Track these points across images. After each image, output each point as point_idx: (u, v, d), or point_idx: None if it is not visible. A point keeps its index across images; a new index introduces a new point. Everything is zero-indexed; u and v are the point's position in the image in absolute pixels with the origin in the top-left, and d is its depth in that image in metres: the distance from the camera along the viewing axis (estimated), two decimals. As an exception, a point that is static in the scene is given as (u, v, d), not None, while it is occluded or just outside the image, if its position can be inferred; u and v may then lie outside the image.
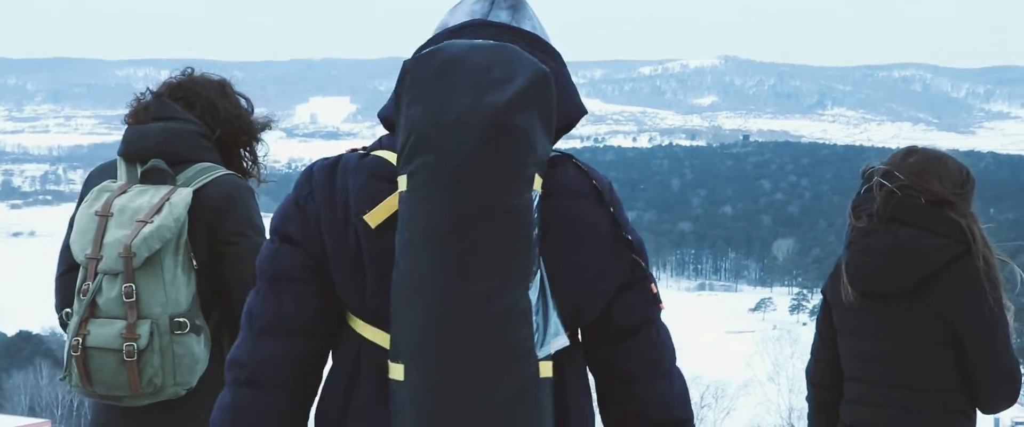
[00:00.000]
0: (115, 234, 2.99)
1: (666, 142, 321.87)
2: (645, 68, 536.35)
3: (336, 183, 1.95)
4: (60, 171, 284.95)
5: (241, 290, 3.05)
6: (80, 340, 2.97)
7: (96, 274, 2.98)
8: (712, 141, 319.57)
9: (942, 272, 3.07)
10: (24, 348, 59.39)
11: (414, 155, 1.82)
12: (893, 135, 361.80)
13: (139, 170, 3.13)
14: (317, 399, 2.04)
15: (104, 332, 2.96)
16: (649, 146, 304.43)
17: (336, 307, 1.98)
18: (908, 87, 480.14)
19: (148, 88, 3.32)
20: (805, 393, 3.52)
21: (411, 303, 1.82)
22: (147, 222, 2.98)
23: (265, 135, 3.39)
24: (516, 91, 1.82)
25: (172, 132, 3.15)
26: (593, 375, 2.09)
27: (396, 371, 1.84)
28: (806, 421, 3.55)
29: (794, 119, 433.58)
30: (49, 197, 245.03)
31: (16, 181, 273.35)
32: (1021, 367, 3.18)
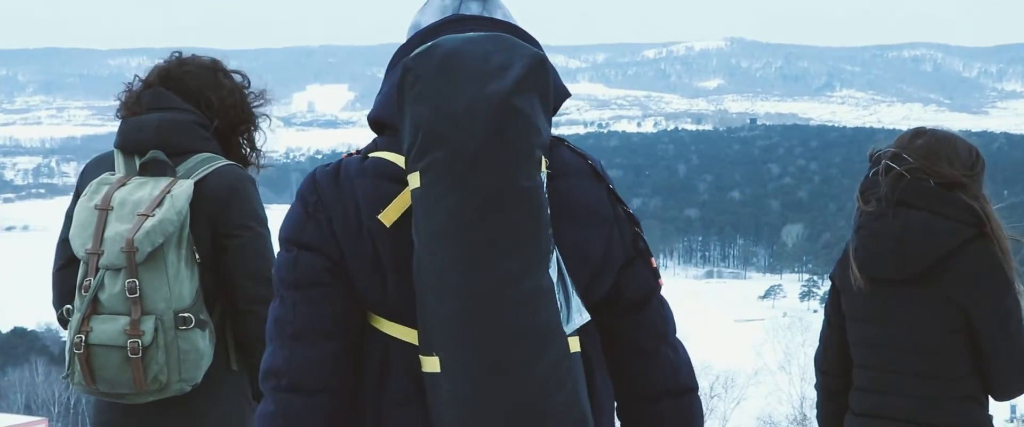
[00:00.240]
0: (116, 228, 2.97)
1: (671, 127, 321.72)
2: (649, 51, 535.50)
3: (343, 188, 2.01)
4: (53, 164, 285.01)
5: (244, 283, 3.10)
6: (83, 337, 2.95)
7: (98, 269, 2.97)
8: (718, 125, 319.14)
9: (954, 256, 3.06)
10: (19, 345, 59.47)
11: (425, 151, 1.88)
12: (904, 117, 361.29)
13: (138, 162, 3.12)
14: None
15: (107, 329, 2.95)
16: (654, 131, 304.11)
17: (360, 306, 2.05)
18: (918, 67, 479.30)
19: (137, 76, 3.29)
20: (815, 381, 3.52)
21: (439, 295, 1.88)
22: (149, 216, 2.96)
23: (264, 123, 3.37)
24: (516, 77, 1.89)
25: (170, 123, 3.13)
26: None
27: (430, 364, 1.91)
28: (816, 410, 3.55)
29: (802, 101, 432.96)
30: (42, 190, 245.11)
31: (8, 174, 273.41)
32: None
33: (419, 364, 1.96)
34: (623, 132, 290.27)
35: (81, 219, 3.05)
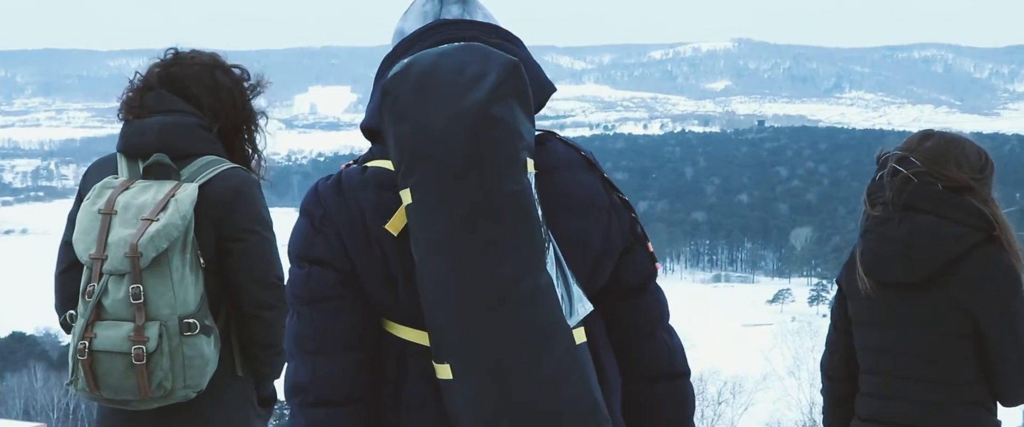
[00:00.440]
0: (120, 233, 2.97)
1: (678, 129, 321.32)
2: (656, 52, 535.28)
3: (347, 200, 2.07)
4: (52, 166, 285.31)
5: (250, 287, 3.10)
6: (87, 343, 2.96)
7: (101, 275, 2.97)
8: (726, 127, 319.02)
9: (962, 260, 3.05)
10: (18, 350, 59.48)
11: (412, 170, 1.95)
12: (914, 118, 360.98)
13: (141, 165, 3.11)
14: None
15: (112, 335, 2.95)
16: (661, 133, 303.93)
17: (375, 315, 2.11)
18: (929, 68, 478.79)
19: (138, 72, 3.28)
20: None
21: (442, 305, 1.96)
22: (153, 220, 2.95)
23: (264, 122, 3.36)
24: (492, 86, 1.95)
25: (172, 126, 3.12)
26: None
27: (444, 371, 1.99)
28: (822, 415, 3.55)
29: (811, 103, 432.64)
30: (41, 193, 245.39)
31: (7, 177, 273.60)
32: None
33: (433, 368, 2.03)
34: (629, 134, 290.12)
35: (84, 223, 3.04)
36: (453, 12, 2.20)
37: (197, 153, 3.13)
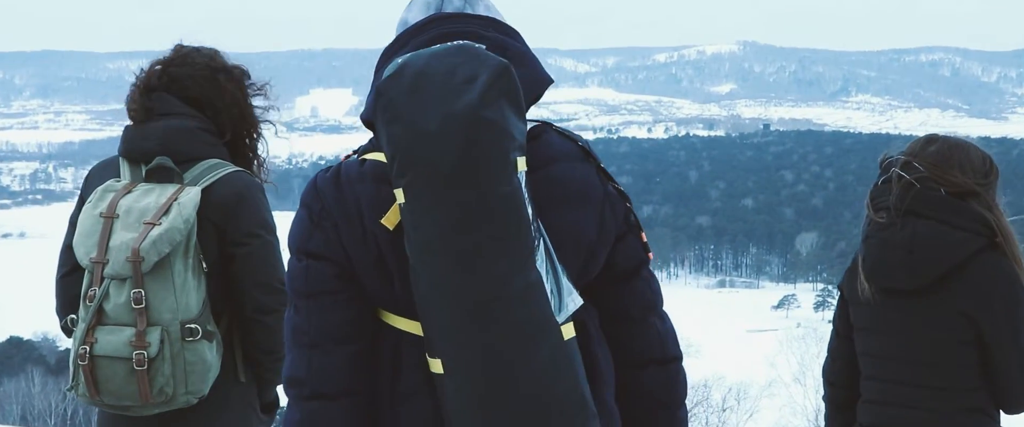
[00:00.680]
0: (122, 237, 2.96)
1: (683, 132, 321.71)
2: (660, 55, 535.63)
3: (345, 194, 2.12)
4: (50, 169, 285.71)
5: (253, 292, 3.09)
6: (87, 348, 2.95)
7: (102, 279, 2.96)
8: (731, 131, 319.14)
9: (964, 267, 3.05)
10: (15, 355, 59.49)
11: (405, 170, 2.00)
12: (921, 122, 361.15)
13: (143, 169, 3.11)
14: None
15: (113, 340, 2.94)
16: (665, 137, 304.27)
17: (372, 308, 2.18)
18: (936, 72, 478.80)
19: (142, 68, 3.27)
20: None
21: (434, 303, 2.01)
22: (155, 224, 2.94)
23: (268, 130, 3.36)
24: (482, 88, 1.99)
25: (175, 131, 3.11)
26: None
27: (436, 365, 2.04)
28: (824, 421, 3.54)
29: (817, 107, 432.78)
30: (39, 196, 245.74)
31: (4, 180, 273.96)
32: None
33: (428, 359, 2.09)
34: (633, 138, 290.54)
35: (85, 227, 3.03)
36: (455, 4, 2.26)
37: (200, 157, 3.13)
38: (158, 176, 3.08)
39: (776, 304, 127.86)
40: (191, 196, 3.00)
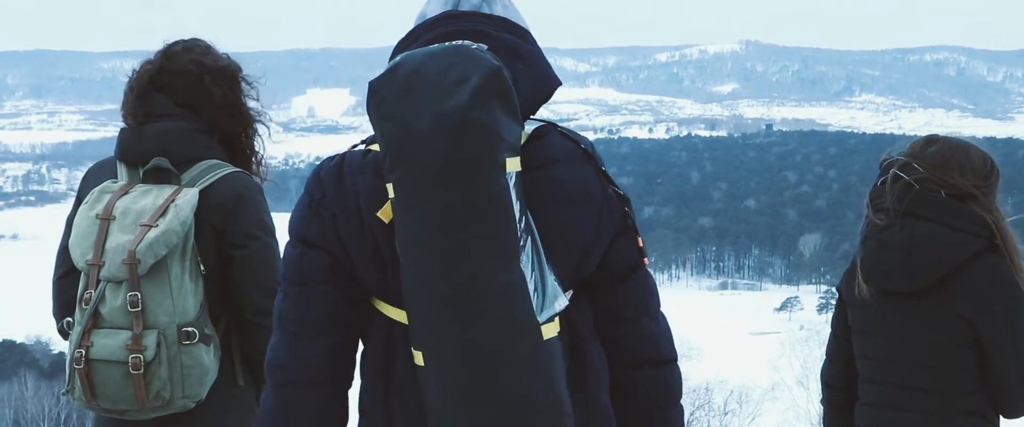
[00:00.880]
0: (118, 239, 2.96)
1: (684, 133, 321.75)
2: (661, 54, 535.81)
3: (345, 184, 2.18)
4: (43, 170, 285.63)
5: (252, 295, 3.08)
6: (83, 352, 2.94)
7: (98, 281, 2.95)
8: (733, 131, 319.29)
9: (963, 269, 3.05)
10: (8, 358, 59.50)
11: (395, 166, 2.05)
12: (925, 122, 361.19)
13: (140, 170, 3.10)
14: (361, 381, 2.30)
15: (109, 343, 2.93)
16: (666, 137, 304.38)
17: (359, 301, 2.25)
18: (941, 71, 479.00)
19: (134, 70, 3.24)
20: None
21: (418, 297, 2.08)
22: (151, 226, 2.94)
23: (263, 129, 3.34)
24: (472, 90, 2.03)
25: (171, 133, 3.11)
26: None
27: (418, 357, 2.11)
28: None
29: (820, 106, 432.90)
30: (32, 198, 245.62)
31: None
32: None
33: None
34: (634, 138, 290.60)
35: (81, 228, 3.03)
36: (471, 2, 2.30)
37: (198, 158, 3.13)
38: (155, 177, 3.07)
39: (779, 306, 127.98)
40: (188, 198, 3.00)
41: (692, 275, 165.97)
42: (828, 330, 3.41)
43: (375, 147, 2.19)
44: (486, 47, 2.17)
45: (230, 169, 3.13)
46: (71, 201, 3.26)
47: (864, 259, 3.17)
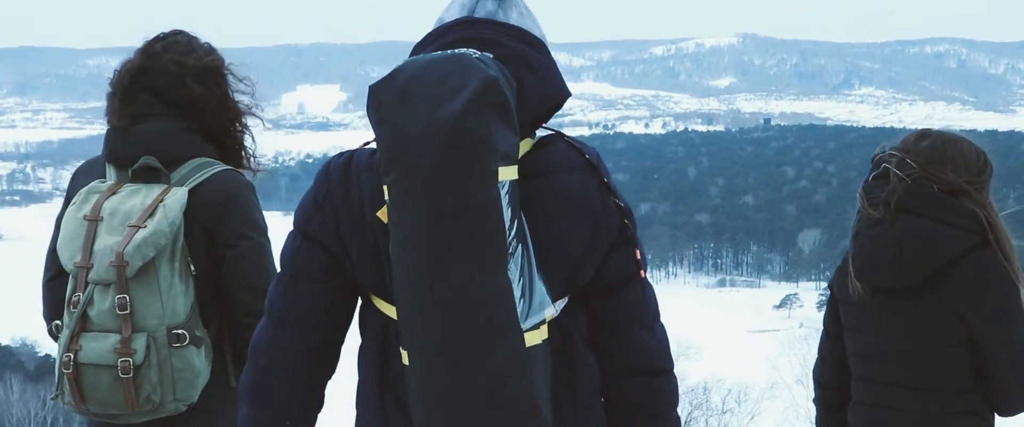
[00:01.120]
0: (106, 241, 2.95)
1: (681, 127, 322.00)
2: (657, 48, 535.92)
3: (351, 182, 2.27)
4: (29, 169, 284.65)
5: (243, 296, 3.06)
6: (72, 356, 2.93)
7: (86, 284, 2.94)
8: (731, 126, 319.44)
9: (955, 265, 3.04)
10: (-7, 361, 59.37)
11: (389, 169, 2.12)
12: (926, 115, 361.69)
13: (129, 170, 3.09)
14: (358, 376, 2.38)
15: (97, 347, 2.93)
16: (663, 132, 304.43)
17: (348, 302, 2.35)
18: (942, 64, 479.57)
19: (116, 70, 3.22)
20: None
21: (405, 298, 2.15)
22: (140, 227, 2.93)
23: (252, 122, 3.32)
24: (467, 99, 2.09)
25: (158, 133, 3.10)
26: None
27: (404, 357, 2.19)
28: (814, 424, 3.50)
29: (819, 100, 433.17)
30: (17, 198, 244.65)
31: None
32: None
33: None
34: (630, 133, 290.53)
35: (69, 230, 3.03)
36: (487, 8, 2.37)
37: (187, 157, 3.12)
38: (144, 176, 3.06)
39: (778, 303, 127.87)
40: (177, 197, 2.98)
41: (689, 272, 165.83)
42: (828, 328, 3.58)
43: None
44: (491, 56, 2.22)
45: (220, 167, 3.11)
46: (57, 201, 2.98)
47: (855, 255, 3.16)
